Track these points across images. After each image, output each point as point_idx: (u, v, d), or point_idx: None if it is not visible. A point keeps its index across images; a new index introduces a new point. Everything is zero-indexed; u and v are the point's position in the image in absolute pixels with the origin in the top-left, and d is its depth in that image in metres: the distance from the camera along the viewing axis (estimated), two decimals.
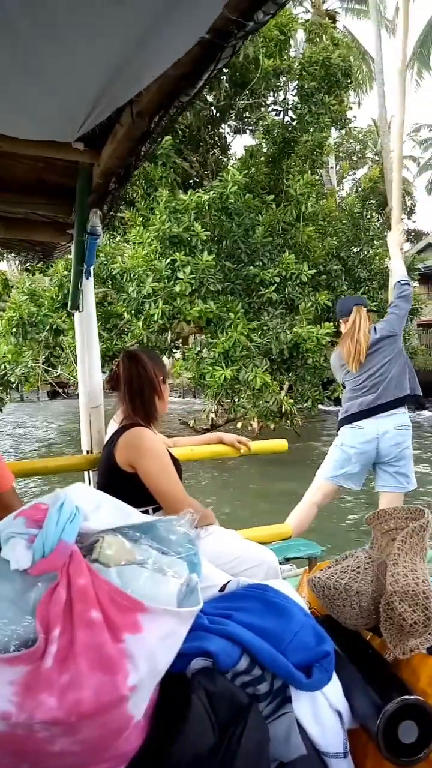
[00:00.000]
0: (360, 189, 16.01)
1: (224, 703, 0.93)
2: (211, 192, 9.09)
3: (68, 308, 2.82)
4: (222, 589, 1.18)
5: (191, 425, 12.67)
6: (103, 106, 1.84)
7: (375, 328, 3.52)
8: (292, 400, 9.22)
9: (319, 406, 11.02)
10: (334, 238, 11.73)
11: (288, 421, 9.89)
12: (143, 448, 2.00)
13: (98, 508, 0.91)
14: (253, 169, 11.06)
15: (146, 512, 1.99)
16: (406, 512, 1.23)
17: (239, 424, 10.81)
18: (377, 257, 12.26)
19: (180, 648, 0.91)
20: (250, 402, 9.36)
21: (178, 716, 0.91)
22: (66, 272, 9.80)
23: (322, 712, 1.01)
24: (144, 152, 2.08)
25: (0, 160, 2.25)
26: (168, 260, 8.67)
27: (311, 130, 11.24)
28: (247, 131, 12.63)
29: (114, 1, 1.32)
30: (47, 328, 10.16)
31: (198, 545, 0.94)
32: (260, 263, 9.72)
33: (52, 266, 10.12)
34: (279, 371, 9.71)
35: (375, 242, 12.72)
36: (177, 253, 8.54)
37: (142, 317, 9.07)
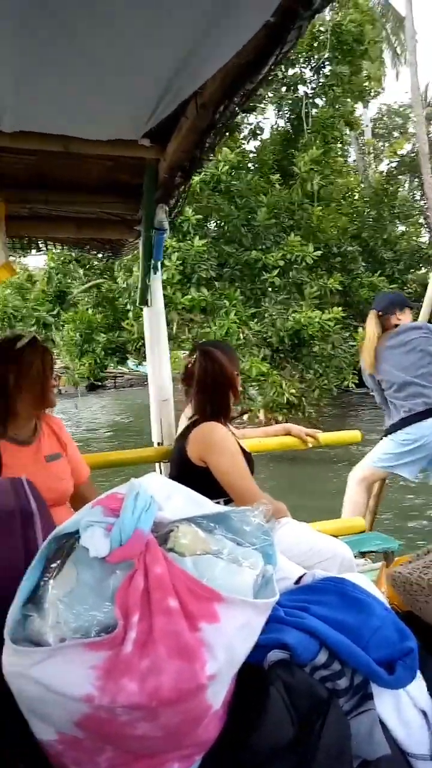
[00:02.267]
0: (395, 166, 15.06)
1: (303, 696, 0.91)
2: (201, 173, 8.70)
3: (137, 304, 2.87)
4: (297, 582, 1.17)
5: None
6: (168, 100, 1.85)
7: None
8: (294, 391, 8.73)
9: (343, 393, 10.37)
10: (350, 217, 11.03)
11: (300, 413, 9.39)
12: (214, 444, 2.01)
13: (171, 498, 0.91)
14: (254, 148, 10.47)
15: (218, 504, 2.00)
16: None
17: (246, 417, 10.35)
18: (404, 236, 11.48)
19: (259, 639, 0.90)
20: (256, 393, 8.98)
21: (255, 708, 0.90)
22: (53, 264, 9.80)
23: (406, 711, 0.97)
24: (209, 144, 2.08)
25: (70, 161, 2.32)
26: None
27: (323, 104, 10.54)
28: (257, 108, 12.01)
29: None
30: (34, 322, 10.00)
31: (273, 536, 0.92)
32: (263, 247, 9.20)
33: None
34: (285, 360, 9.24)
35: (400, 220, 11.90)
36: None
37: (132, 307, 8.88)
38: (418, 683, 1.00)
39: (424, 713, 0.98)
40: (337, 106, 10.76)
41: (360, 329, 9.02)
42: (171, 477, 2.19)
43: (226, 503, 2.03)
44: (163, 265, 8.74)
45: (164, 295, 9.16)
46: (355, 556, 2.48)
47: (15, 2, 1.26)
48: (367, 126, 23.84)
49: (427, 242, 11.68)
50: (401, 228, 11.78)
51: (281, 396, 8.62)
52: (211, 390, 2.09)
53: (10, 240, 2.71)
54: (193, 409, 2.16)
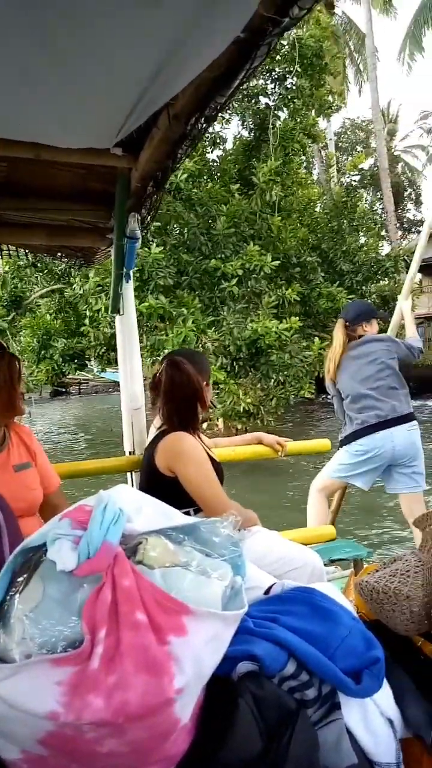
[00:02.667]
0: (357, 180, 15.44)
1: (272, 708, 0.91)
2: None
3: (110, 312, 2.86)
4: (267, 592, 1.17)
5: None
6: (140, 110, 1.85)
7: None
8: (251, 400, 8.80)
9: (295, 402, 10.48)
10: (310, 228, 11.21)
11: (258, 422, 9.45)
12: (182, 454, 2.00)
13: (141, 510, 0.91)
14: (216, 157, 10.59)
15: (188, 514, 2.00)
16: None
17: (204, 425, 10.44)
18: (363, 248, 11.76)
19: (226, 651, 0.90)
20: (215, 401, 8.93)
21: (224, 720, 0.90)
22: (7, 268, 9.68)
23: (373, 719, 0.98)
24: (181, 155, 2.08)
25: (41, 169, 2.30)
26: None
27: (283, 116, 10.68)
28: (220, 119, 12.13)
29: (149, 4, 1.32)
30: None
31: (242, 547, 0.92)
32: (222, 256, 9.26)
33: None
34: (244, 369, 9.30)
35: (360, 232, 12.17)
36: None
37: (89, 313, 8.87)
38: (385, 692, 1.01)
39: (391, 722, 1.00)
40: (298, 119, 10.94)
41: (317, 339, 9.18)
42: (141, 487, 2.17)
43: (195, 513, 2.03)
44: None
45: None
46: (325, 564, 2.50)
47: None
48: (330, 140, 24.51)
49: (386, 255, 11.96)
50: (362, 240, 12.02)
51: (238, 405, 8.66)
52: (177, 401, 2.08)
53: None
54: (162, 420, 2.16)
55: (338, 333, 3.53)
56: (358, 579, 1.21)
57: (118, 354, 2.76)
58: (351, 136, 30.78)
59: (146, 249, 8.38)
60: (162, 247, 8.61)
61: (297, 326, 8.70)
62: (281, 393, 9.31)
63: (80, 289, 9.04)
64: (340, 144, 30.41)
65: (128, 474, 2.63)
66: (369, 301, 11.15)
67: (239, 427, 9.76)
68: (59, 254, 3.10)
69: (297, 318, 8.92)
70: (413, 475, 3.31)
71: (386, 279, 12.18)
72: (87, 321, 9.14)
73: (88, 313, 9.03)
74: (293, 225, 10.61)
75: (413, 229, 31.91)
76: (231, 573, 0.90)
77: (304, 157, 12.14)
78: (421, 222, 32.92)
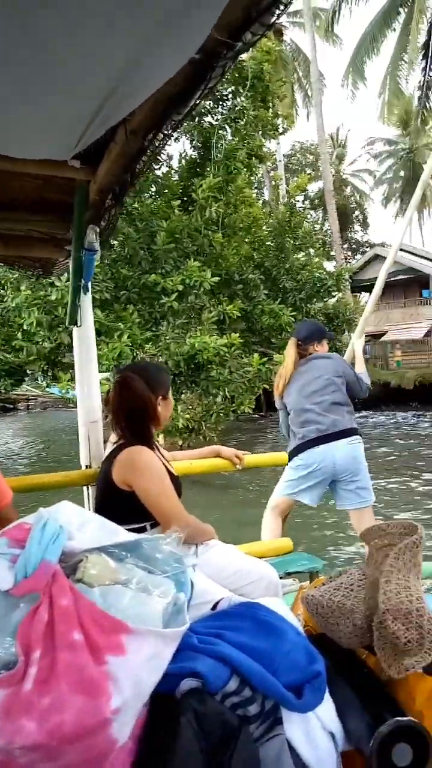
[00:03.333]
0: (307, 200, 15.90)
1: (214, 726, 0.91)
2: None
3: (67, 323, 2.82)
4: (214, 608, 1.17)
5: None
6: (97, 124, 1.86)
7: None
8: (189, 416, 8.82)
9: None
10: (254, 246, 11.35)
11: (200, 437, 9.39)
12: (140, 468, 1.99)
13: (83, 527, 0.90)
14: (160, 174, 10.68)
15: (144, 528, 1.98)
16: (400, 527, 1.21)
17: None
18: (306, 267, 12.05)
19: (168, 668, 0.90)
20: None
21: (166, 739, 0.89)
22: None
23: (314, 733, 0.99)
24: (139, 169, 2.09)
25: None
26: None
27: (226, 136, 10.80)
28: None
29: (106, 23, 1.34)
30: None
31: (185, 563, 0.92)
32: (163, 271, 9.27)
33: None
34: (184, 384, 9.26)
35: (302, 251, 12.47)
36: None
37: (20, 328, 8.72)
38: (327, 706, 1.02)
39: (333, 735, 1.01)
40: (244, 140, 11.04)
41: (256, 355, 9.28)
42: (96, 500, 2.15)
43: (152, 527, 2.02)
44: (53, 284, 8.57)
45: (55, 316, 8.67)
46: (281, 577, 2.51)
47: None
48: (280, 161, 25.24)
49: (328, 274, 12.30)
50: (305, 259, 12.31)
51: (177, 420, 8.58)
52: (125, 418, 2.07)
53: None
54: (117, 435, 2.14)
55: (290, 351, 3.59)
56: (304, 593, 1.22)
57: (75, 366, 2.73)
58: (300, 158, 31.82)
59: None
60: (99, 261, 8.57)
61: (238, 342, 8.71)
62: (221, 408, 9.25)
63: (12, 302, 8.84)
64: (289, 166, 31.51)
65: (84, 488, 2.59)
66: (315, 319, 11.43)
67: (180, 443, 9.68)
68: (16, 265, 3.05)
69: (237, 334, 8.93)
70: (358, 491, 3.34)
71: (329, 297, 12.51)
72: (19, 335, 8.93)
73: (27, 327, 8.81)
74: (237, 242, 10.72)
75: (360, 250, 32.88)
76: (174, 590, 0.90)
77: (251, 177, 12.35)
78: (368, 243, 34.21)
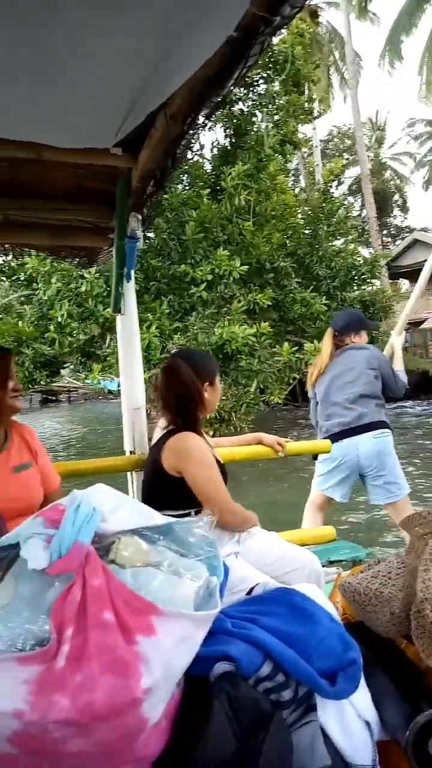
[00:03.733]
0: (341, 185, 15.35)
1: (246, 709, 0.91)
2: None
3: (111, 311, 2.86)
4: (249, 593, 1.17)
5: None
6: (137, 111, 1.86)
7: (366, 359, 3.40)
8: (218, 405, 8.68)
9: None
10: (286, 234, 11.03)
11: (231, 428, 9.22)
12: (190, 455, 2.00)
13: (117, 509, 0.91)
14: (191, 164, 10.49)
15: (188, 514, 2.00)
16: None
17: None
18: (341, 253, 11.64)
19: (202, 651, 0.90)
20: None
21: (198, 721, 0.90)
22: None
23: (349, 721, 0.98)
24: (179, 154, 2.09)
25: (42, 169, 2.32)
26: None
27: (257, 122, 10.53)
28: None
29: (142, 5, 1.33)
30: None
31: (217, 547, 0.93)
32: (192, 261, 9.13)
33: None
34: None
35: (336, 238, 11.99)
36: None
37: (53, 320, 8.77)
38: (363, 694, 1.01)
39: (368, 724, 0.99)
40: (277, 126, 10.79)
41: (286, 344, 9.11)
42: (144, 484, 2.18)
43: (197, 513, 2.03)
44: (83, 276, 8.63)
45: (86, 308, 8.72)
46: (324, 565, 2.49)
47: None
48: (317, 147, 24.64)
49: (363, 260, 11.89)
50: (340, 245, 11.95)
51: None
52: (174, 404, 2.09)
53: None
54: (167, 420, 2.16)
55: (326, 341, 3.51)
56: (341, 580, 1.20)
57: (119, 354, 2.77)
58: (338, 142, 31.01)
59: None
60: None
61: (268, 331, 8.59)
62: (251, 399, 9.12)
63: (44, 294, 8.99)
64: (326, 151, 30.75)
65: (128, 473, 2.64)
66: (352, 308, 11.15)
67: (211, 433, 9.71)
68: (62, 254, 3.11)
69: (267, 323, 8.80)
70: (386, 486, 3.25)
71: (364, 285, 12.16)
72: (52, 327, 9.08)
73: (58, 319, 8.96)
74: (269, 230, 10.49)
75: (400, 236, 31.79)
76: (206, 573, 0.90)
77: (285, 163, 12.04)
78: (408, 229, 33.10)
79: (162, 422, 2.23)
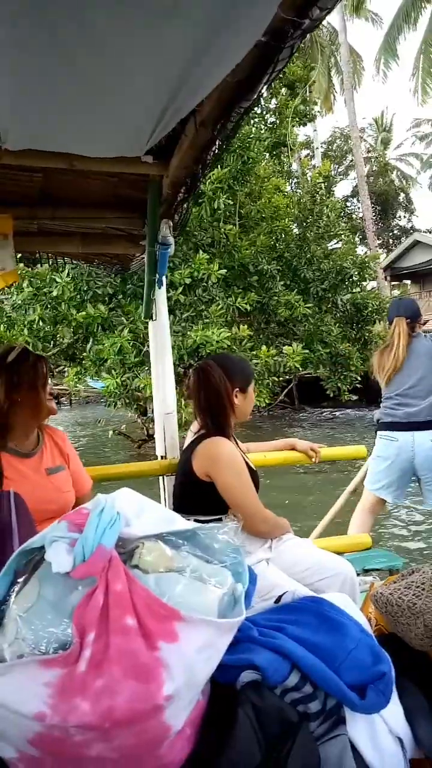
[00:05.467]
0: (335, 186, 15.02)
1: (272, 720, 0.89)
2: None
3: (143, 317, 2.89)
4: (277, 601, 1.15)
5: (118, 433, 11.92)
6: (168, 118, 1.88)
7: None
8: (190, 410, 8.56)
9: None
10: (275, 236, 10.83)
11: None
12: (221, 461, 1.98)
13: (141, 514, 0.91)
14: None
15: (219, 520, 1.98)
16: None
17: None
18: (330, 255, 11.39)
19: (227, 659, 0.89)
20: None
21: (223, 730, 0.89)
22: None
23: (380, 737, 0.95)
24: (209, 160, 2.09)
25: (76, 178, 2.36)
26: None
27: (243, 124, 10.54)
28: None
29: (169, 14, 1.34)
30: None
31: (243, 554, 0.91)
32: (171, 264, 8.97)
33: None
34: None
35: (325, 240, 11.75)
36: None
37: (24, 323, 8.75)
38: (395, 709, 0.98)
39: (400, 740, 0.96)
40: (265, 129, 10.65)
41: (264, 347, 8.99)
42: (175, 491, 2.18)
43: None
44: (54, 281, 8.73)
45: (58, 312, 8.77)
46: (358, 574, 2.44)
47: (14, 23, 1.29)
48: (318, 148, 24.37)
49: (351, 263, 11.66)
50: (331, 247, 11.75)
51: (182, 411, 8.50)
52: (206, 409, 2.08)
53: (20, 253, 2.76)
54: (199, 424, 2.16)
55: (400, 331, 3.36)
56: (373, 591, 1.17)
57: (151, 359, 2.79)
58: (341, 144, 30.75)
59: None
60: None
61: (247, 335, 8.51)
62: None
63: (17, 298, 9.03)
64: (329, 153, 30.39)
65: (160, 478, 2.64)
66: (342, 311, 11.07)
67: (194, 431, 9.66)
68: (95, 262, 3.16)
69: (247, 326, 8.71)
70: None
71: (355, 288, 11.96)
72: (26, 331, 9.15)
73: (26, 323, 9.04)
74: (257, 233, 10.36)
75: (403, 237, 31.12)
76: (231, 580, 0.89)
77: (280, 166, 11.94)
78: (412, 230, 32.74)
79: (194, 426, 2.22)
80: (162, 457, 2.64)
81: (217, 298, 9.13)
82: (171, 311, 9.13)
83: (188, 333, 8.51)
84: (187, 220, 2.62)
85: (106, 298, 8.94)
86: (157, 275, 2.62)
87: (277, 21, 1.43)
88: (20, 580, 0.84)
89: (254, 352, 9.02)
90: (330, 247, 11.91)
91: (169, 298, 9.08)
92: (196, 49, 1.46)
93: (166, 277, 8.49)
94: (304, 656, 0.93)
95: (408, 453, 3.11)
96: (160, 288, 2.68)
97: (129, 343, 8.24)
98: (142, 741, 0.75)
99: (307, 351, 9.30)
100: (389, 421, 3.18)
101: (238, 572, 0.90)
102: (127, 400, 9.05)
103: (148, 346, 8.90)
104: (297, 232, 11.71)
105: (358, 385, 10.91)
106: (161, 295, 2.71)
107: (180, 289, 8.89)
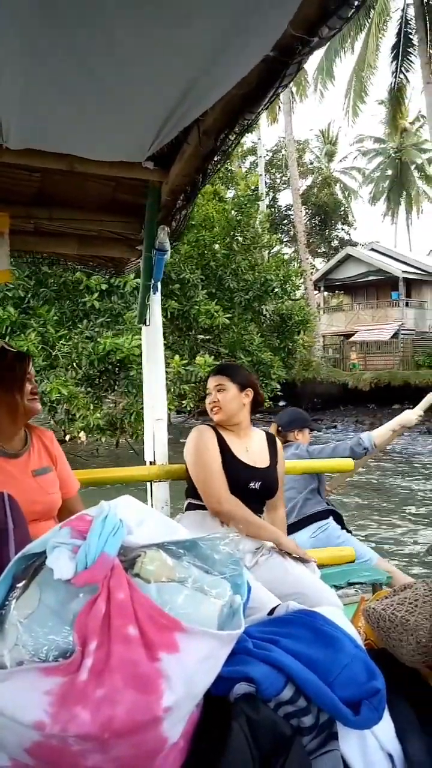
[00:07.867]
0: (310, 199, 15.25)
1: (266, 733, 0.89)
2: None
3: (137, 322, 2.88)
4: (271, 613, 1.15)
5: None
6: (172, 126, 1.88)
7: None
8: (99, 415, 8.66)
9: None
10: (202, 244, 11.10)
11: (127, 436, 9.31)
12: (187, 445, 2.15)
13: (143, 523, 0.91)
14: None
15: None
16: None
17: (67, 437, 10.06)
18: (255, 267, 11.52)
19: (222, 671, 0.89)
20: (74, 414, 8.75)
21: (217, 743, 0.88)
22: None
23: (372, 753, 0.95)
24: (210, 169, 2.10)
25: (74, 180, 2.36)
26: None
27: None
28: None
29: (181, 23, 1.35)
30: None
31: (242, 566, 0.91)
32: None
33: None
34: (108, 383, 9.25)
35: (251, 252, 11.86)
36: None
37: None
38: (386, 725, 0.98)
39: (391, 757, 0.96)
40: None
41: (176, 356, 9.12)
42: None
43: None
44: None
45: None
46: (342, 587, 2.44)
47: (22, 25, 1.29)
48: (262, 157, 24.82)
49: (274, 276, 11.86)
50: (253, 259, 11.97)
51: (85, 419, 8.52)
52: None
53: (15, 252, 2.74)
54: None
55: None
56: (365, 605, 1.17)
57: (143, 364, 2.78)
58: (286, 154, 31.70)
59: None
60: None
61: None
62: (140, 408, 9.01)
63: None
64: (274, 161, 30.92)
65: (148, 483, 2.63)
66: (268, 321, 11.28)
67: (103, 440, 9.62)
68: (91, 264, 3.15)
69: (168, 334, 8.94)
70: None
71: (277, 299, 12.15)
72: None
73: None
74: (182, 240, 10.55)
75: (341, 248, 31.85)
76: (230, 591, 0.89)
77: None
78: (351, 242, 33.63)
79: None
80: (151, 463, 2.63)
81: (134, 306, 9.19)
82: (86, 316, 9.15)
83: (98, 339, 8.52)
84: (185, 228, 2.63)
85: (17, 300, 8.86)
86: (153, 280, 2.62)
87: (286, 37, 1.44)
88: (19, 585, 0.83)
89: (168, 361, 9.12)
90: (249, 260, 11.94)
91: (83, 303, 9.09)
92: (205, 60, 1.47)
93: (82, 281, 8.22)
94: (299, 670, 0.93)
95: None
96: (155, 293, 2.68)
97: (36, 347, 8.17)
98: (139, 752, 0.75)
99: (216, 362, 9.36)
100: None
101: (237, 584, 0.90)
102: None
103: (58, 350, 8.80)
104: (224, 242, 11.87)
105: (279, 393, 11.07)
106: (156, 301, 2.71)
107: (95, 295, 8.93)
